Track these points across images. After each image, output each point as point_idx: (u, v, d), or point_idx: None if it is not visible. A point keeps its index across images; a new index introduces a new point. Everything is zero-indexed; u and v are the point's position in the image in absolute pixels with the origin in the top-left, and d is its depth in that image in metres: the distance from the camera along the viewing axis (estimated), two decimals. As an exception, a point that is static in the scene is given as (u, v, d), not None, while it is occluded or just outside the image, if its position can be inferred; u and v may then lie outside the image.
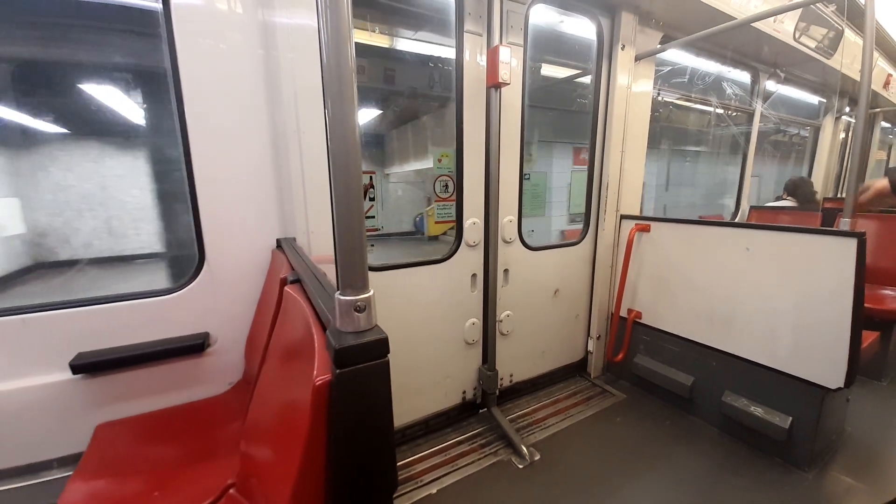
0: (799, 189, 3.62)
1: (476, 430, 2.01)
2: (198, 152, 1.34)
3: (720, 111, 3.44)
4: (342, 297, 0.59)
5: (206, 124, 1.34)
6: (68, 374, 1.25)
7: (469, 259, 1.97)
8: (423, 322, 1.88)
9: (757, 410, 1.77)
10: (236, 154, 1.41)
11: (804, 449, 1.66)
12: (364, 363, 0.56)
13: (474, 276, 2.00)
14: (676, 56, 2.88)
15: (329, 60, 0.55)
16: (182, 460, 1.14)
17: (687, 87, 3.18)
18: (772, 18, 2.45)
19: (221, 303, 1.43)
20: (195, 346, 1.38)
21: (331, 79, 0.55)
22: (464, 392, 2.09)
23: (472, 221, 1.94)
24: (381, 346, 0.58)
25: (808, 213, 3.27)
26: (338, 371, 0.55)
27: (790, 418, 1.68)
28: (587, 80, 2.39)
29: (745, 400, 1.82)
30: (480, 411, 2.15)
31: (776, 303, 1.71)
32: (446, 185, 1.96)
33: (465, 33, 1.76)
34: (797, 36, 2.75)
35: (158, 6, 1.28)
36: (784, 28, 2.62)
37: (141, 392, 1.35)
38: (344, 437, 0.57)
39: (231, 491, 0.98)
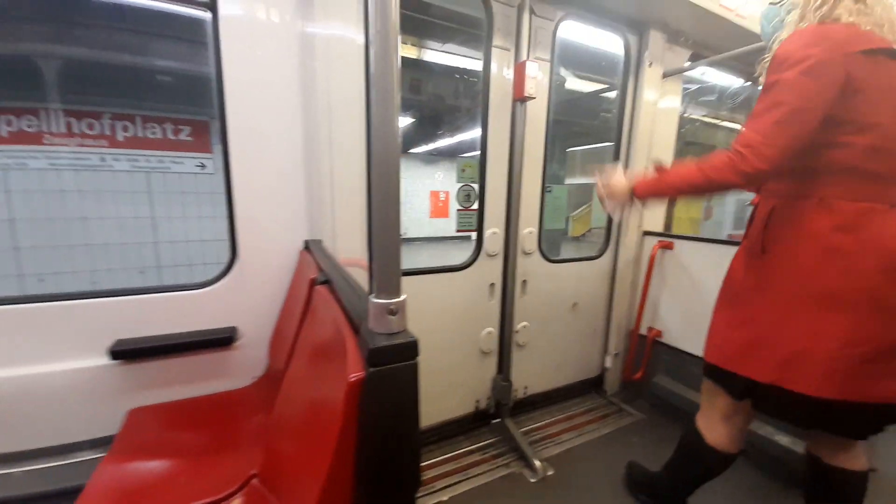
0: None
1: (489, 441, 2.00)
2: (235, 154, 1.41)
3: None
4: (376, 300, 0.62)
5: (245, 128, 1.41)
6: (106, 360, 1.32)
7: (488, 268, 1.99)
8: (438, 329, 1.90)
9: (782, 440, 1.71)
10: (270, 157, 1.47)
11: None
12: (395, 363, 0.59)
13: (492, 285, 2.02)
14: (706, 74, 2.85)
15: (377, 71, 0.58)
16: (207, 448, 1.18)
17: (716, 105, 3.14)
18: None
19: (250, 299, 1.49)
20: (224, 340, 1.43)
21: (377, 88, 0.59)
22: (477, 401, 2.09)
23: (493, 231, 1.96)
24: (411, 349, 0.61)
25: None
26: (371, 369, 0.58)
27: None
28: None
29: (770, 428, 1.76)
30: (493, 422, 2.14)
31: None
32: (468, 195, 1.99)
33: (493, 48, 1.81)
34: None
35: (208, 16, 1.37)
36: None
37: (171, 380, 1.41)
38: (373, 433, 0.59)
39: (254, 481, 1.01)
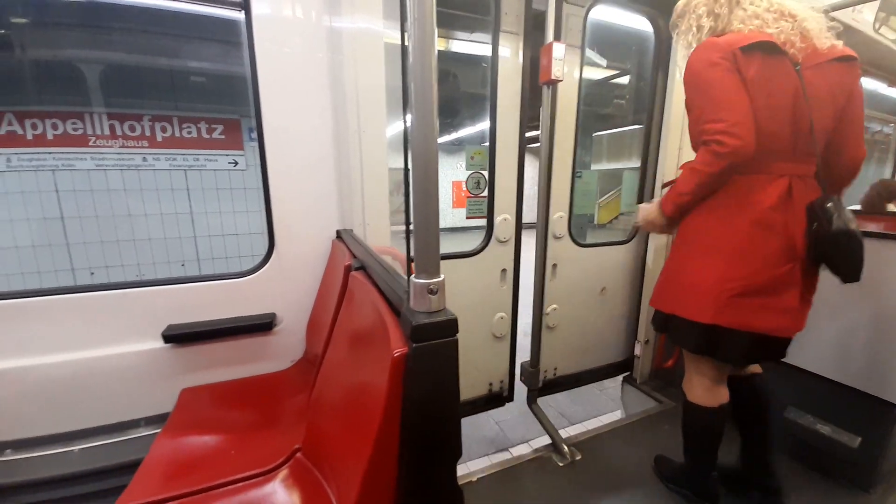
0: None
1: (517, 424, 2.03)
2: (270, 148, 1.47)
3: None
4: (417, 281, 0.65)
5: (278, 123, 1.46)
6: (160, 343, 1.42)
7: (499, 254, 2.00)
8: (450, 313, 1.92)
9: (824, 429, 1.65)
10: (302, 150, 1.52)
11: (869, 469, 1.54)
12: (437, 339, 0.62)
13: (504, 271, 2.02)
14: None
15: (415, 66, 0.60)
16: (254, 425, 1.26)
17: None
18: (850, 8, 2.25)
19: (287, 287, 1.56)
20: (264, 325, 1.51)
21: (416, 83, 0.60)
22: (490, 384, 2.12)
23: (504, 217, 1.96)
24: (451, 326, 0.63)
25: (891, 218, 2.96)
26: (414, 346, 0.61)
27: (859, 438, 1.56)
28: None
29: (811, 417, 1.71)
30: (507, 404, 2.16)
31: (850, 313, 1.59)
32: (478, 182, 1.99)
33: (501, 33, 1.79)
34: (877, 27, 2.51)
35: (242, 16, 1.42)
36: (863, 18, 2.40)
37: (219, 362, 1.51)
38: (417, 406, 0.62)
39: (298, 455, 1.08)
